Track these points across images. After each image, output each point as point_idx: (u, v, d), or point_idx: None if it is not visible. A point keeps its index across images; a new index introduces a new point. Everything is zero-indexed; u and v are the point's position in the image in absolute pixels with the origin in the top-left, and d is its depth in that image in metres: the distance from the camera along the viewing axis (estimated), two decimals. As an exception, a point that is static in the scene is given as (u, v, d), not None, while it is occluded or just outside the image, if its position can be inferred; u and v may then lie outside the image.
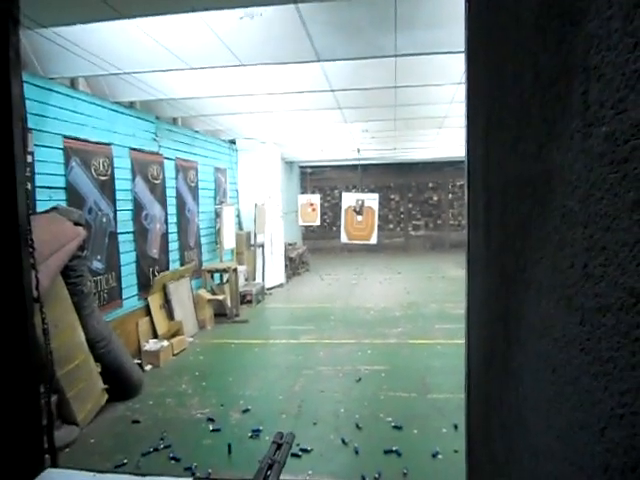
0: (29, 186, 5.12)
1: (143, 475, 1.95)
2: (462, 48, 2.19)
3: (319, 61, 5.56)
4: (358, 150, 13.66)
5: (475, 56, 1.95)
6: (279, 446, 1.56)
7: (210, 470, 4.29)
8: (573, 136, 0.86)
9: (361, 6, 4.58)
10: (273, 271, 12.74)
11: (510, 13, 1.29)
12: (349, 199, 14.96)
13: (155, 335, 7.63)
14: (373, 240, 14.82)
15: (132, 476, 2.04)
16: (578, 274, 0.85)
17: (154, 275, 7.97)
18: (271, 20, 4.73)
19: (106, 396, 5.58)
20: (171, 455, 4.59)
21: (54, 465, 2.55)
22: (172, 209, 8.84)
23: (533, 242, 1.13)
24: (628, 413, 0.69)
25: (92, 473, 2.27)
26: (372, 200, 14.87)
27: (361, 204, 14.62)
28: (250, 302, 10.82)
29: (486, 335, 1.82)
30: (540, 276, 1.08)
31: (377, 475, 4.17)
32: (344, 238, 14.91)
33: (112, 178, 6.90)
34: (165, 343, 7.38)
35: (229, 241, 10.75)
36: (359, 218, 14.52)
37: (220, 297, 9.59)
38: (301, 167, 19.81)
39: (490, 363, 1.74)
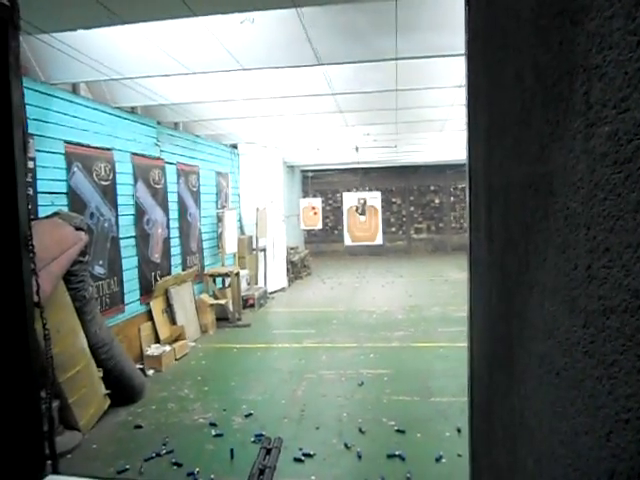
0: (31, 191, 5.12)
1: (144, 481, 1.94)
2: (463, 51, 2.19)
3: (320, 65, 5.56)
4: (356, 148, 13.02)
5: (476, 58, 1.94)
6: (268, 451, 1.55)
7: (212, 476, 4.27)
8: (575, 137, 0.85)
9: (362, 10, 4.59)
10: (275, 275, 12.72)
11: (510, 14, 1.28)
12: (351, 199, 14.80)
13: (157, 340, 7.62)
14: (378, 240, 14.70)
15: (133, 482, 2.03)
16: (581, 276, 0.84)
17: (156, 280, 7.97)
18: (272, 24, 4.74)
19: (108, 401, 5.56)
20: (173, 460, 4.57)
21: (55, 471, 2.54)
22: (174, 214, 8.84)
23: (536, 244, 1.12)
24: (634, 418, 0.68)
25: (94, 479, 2.26)
26: (374, 199, 14.72)
27: (363, 203, 14.55)
28: (252, 306, 10.81)
29: (489, 338, 1.81)
30: (543, 278, 1.07)
31: (380, 479, 4.15)
32: (348, 241, 14.80)
33: (114, 183, 6.90)
34: (167, 348, 7.37)
35: (231, 245, 10.75)
36: (362, 219, 14.49)
37: (222, 301, 9.58)
38: (302, 171, 19.81)
39: (493, 366, 1.73)
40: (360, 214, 14.53)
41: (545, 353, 1.06)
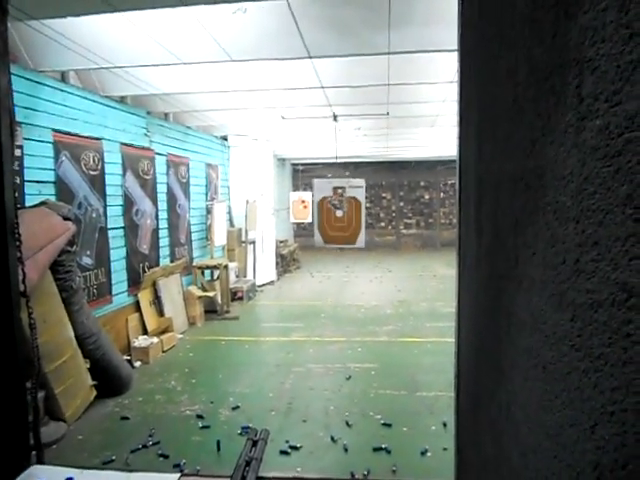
0: (18, 180, 5.07)
1: (130, 471, 1.94)
2: (456, 46, 2.18)
3: (310, 58, 5.53)
4: (334, 117, 9.80)
5: (468, 52, 1.94)
6: (255, 443, 1.56)
7: (199, 467, 4.27)
8: (567, 130, 0.85)
9: (354, 3, 4.57)
10: (264, 268, 12.70)
11: (504, 7, 1.28)
12: (323, 187, 11.15)
13: (145, 331, 7.58)
14: (360, 243, 11.33)
15: (118, 472, 2.02)
16: (570, 270, 0.84)
17: (144, 271, 7.92)
18: (262, 16, 4.71)
19: (95, 392, 5.53)
20: (160, 452, 4.56)
21: (40, 462, 2.53)
22: (163, 205, 8.78)
23: (525, 238, 1.12)
24: (619, 410, 0.68)
25: (79, 469, 2.25)
26: (357, 188, 11.10)
27: (341, 194, 11.07)
28: (241, 299, 10.79)
29: (476, 333, 1.82)
30: (531, 272, 1.07)
31: (366, 472, 4.17)
32: (319, 240, 11.31)
33: (102, 173, 6.84)
34: (155, 339, 7.34)
35: (220, 238, 10.71)
36: (339, 213, 11.25)
37: (210, 294, 9.55)
38: (293, 164, 19.74)
39: (480, 361, 1.74)
40: (336, 207, 11.07)
41: (532, 347, 1.07)
